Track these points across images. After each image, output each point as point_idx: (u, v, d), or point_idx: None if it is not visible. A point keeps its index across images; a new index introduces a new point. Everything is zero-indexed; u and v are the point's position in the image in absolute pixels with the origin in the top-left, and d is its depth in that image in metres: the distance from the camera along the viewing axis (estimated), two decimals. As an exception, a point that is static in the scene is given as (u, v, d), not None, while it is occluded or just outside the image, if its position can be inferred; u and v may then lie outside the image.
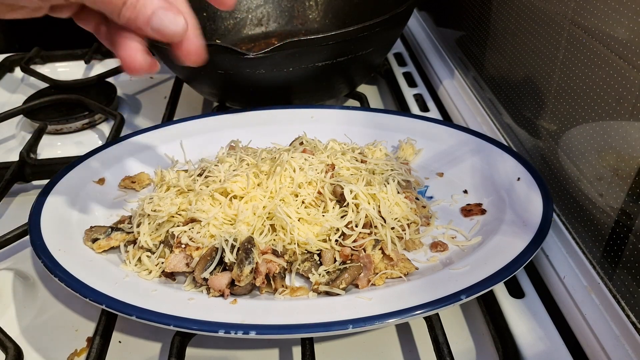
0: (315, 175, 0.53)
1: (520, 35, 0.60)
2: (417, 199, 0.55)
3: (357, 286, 0.47)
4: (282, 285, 0.47)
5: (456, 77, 0.80)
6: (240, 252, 0.46)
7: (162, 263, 0.49)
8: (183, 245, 0.49)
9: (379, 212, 0.50)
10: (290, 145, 0.62)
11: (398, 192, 0.53)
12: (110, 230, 0.51)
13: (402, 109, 0.78)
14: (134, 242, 0.51)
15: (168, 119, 0.76)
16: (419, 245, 0.51)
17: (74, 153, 0.68)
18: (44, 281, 0.53)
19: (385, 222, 0.50)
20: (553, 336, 0.44)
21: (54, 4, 0.37)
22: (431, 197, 0.58)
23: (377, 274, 0.47)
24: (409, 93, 0.80)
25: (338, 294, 0.45)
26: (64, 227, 0.52)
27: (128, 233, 0.52)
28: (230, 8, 0.42)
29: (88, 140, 0.76)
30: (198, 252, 0.48)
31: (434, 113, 0.76)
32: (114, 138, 0.68)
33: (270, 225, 0.50)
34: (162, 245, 0.50)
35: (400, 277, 0.47)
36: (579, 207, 0.49)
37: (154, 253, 0.50)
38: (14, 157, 0.67)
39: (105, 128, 0.77)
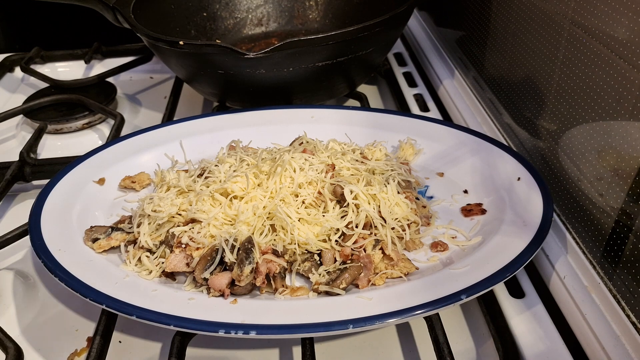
0: (316, 176, 0.53)
1: (520, 35, 0.60)
2: (417, 199, 0.55)
3: (357, 286, 0.46)
4: (283, 285, 0.47)
5: (456, 77, 0.80)
6: (240, 252, 0.46)
7: (162, 263, 0.49)
8: (183, 245, 0.49)
9: (379, 212, 0.50)
10: (290, 145, 0.62)
11: (398, 192, 0.53)
12: (110, 230, 0.51)
13: (402, 109, 0.78)
14: (134, 242, 0.51)
15: (168, 119, 0.76)
16: (419, 245, 0.51)
17: (74, 153, 0.68)
18: (44, 281, 0.53)
19: (385, 222, 0.50)
20: (553, 336, 0.44)
21: None
22: (431, 197, 0.58)
23: (377, 274, 0.47)
24: (409, 93, 0.80)
25: (338, 294, 0.45)
26: (64, 227, 0.52)
27: (128, 233, 0.52)
28: None
29: (88, 140, 0.76)
30: (198, 252, 0.48)
31: (434, 113, 0.76)
32: (114, 138, 0.68)
33: (271, 225, 0.50)
34: (162, 245, 0.50)
35: (401, 277, 0.47)
36: (579, 207, 0.49)
37: (154, 253, 0.50)
38: (14, 157, 0.67)
39: (105, 128, 0.77)
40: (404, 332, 0.48)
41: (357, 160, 0.57)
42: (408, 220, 0.51)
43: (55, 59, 0.95)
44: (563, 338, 0.44)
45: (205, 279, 0.45)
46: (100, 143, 0.75)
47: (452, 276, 0.45)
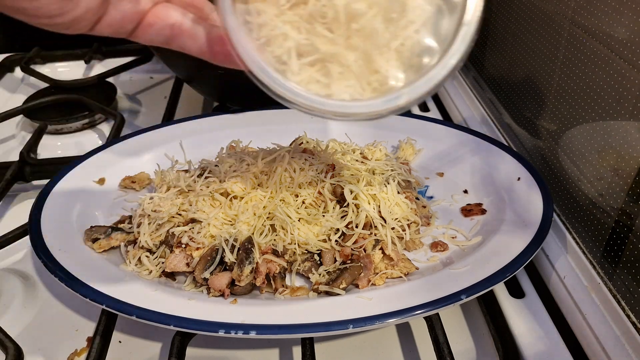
0: (316, 176, 0.53)
1: (520, 35, 0.60)
2: (417, 199, 0.55)
3: (357, 286, 0.46)
4: (282, 285, 0.47)
5: (456, 77, 0.80)
6: (240, 252, 0.46)
7: (162, 263, 0.49)
8: (183, 245, 0.49)
9: (379, 212, 0.50)
10: (290, 145, 0.61)
11: (398, 192, 0.53)
12: (110, 230, 0.51)
13: (402, 109, 0.78)
14: (134, 242, 0.51)
15: (168, 119, 0.76)
16: (419, 245, 0.51)
17: (74, 153, 0.68)
18: (44, 281, 0.53)
19: (385, 222, 0.50)
20: (553, 336, 0.44)
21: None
22: (431, 197, 0.58)
23: (377, 273, 0.47)
24: (409, 93, 0.80)
25: (338, 294, 0.45)
26: (64, 227, 0.52)
27: (128, 233, 0.52)
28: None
29: (88, 140, 0.76)
30: (198, 252, 0.48)
31: (434, 113, 0.76)
32: (114, 138, 0.68)
33: (271, 225, 0.50)
34: (162, 245, 0.50)
35: (401, 277, 0.47)
36: (579, 207, 0.49)
37: (154, 253, 0.50)
38: (14, 157, 0.67)
39: (105, 128, 0.77)
40: (404, 332, 0.48)
41: (357, 160, 0.57)
42: (408, 220, 0.51)
43: (55, 59, 0.95)
44: (563, 338, 0.44)
45: (205, 279, 0.45)
46: (100, 143, 0.75)
47: (452, 276, 0.45)
